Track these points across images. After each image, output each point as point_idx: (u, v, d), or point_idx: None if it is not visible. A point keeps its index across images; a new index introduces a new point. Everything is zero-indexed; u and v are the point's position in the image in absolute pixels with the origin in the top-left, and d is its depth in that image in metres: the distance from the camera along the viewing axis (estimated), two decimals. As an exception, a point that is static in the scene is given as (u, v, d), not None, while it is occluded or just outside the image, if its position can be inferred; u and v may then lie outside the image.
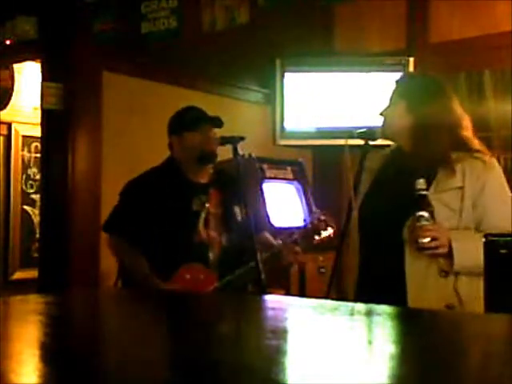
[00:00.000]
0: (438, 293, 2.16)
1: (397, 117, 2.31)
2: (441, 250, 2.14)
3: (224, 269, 2.79)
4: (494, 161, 2.26)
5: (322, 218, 2.75)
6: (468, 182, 2.18)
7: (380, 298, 2.13)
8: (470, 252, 2.10)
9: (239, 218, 2.93)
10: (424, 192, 2.14)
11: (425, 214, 2.12)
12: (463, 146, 2.24)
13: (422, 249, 2.14)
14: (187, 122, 2.93)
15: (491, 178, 2.20)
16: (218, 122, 2.93)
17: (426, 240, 2.12)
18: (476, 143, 2.27)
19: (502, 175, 2.27)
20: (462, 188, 2.18)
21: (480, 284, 2.04)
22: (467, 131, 2.27)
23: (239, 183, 2.84)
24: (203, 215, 2.87)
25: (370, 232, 2.32)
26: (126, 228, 2.86)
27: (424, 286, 2.16)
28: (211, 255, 2.83)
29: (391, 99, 2.35)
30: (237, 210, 2.94)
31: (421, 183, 2.14)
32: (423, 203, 2.13)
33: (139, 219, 2.83)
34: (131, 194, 2.91)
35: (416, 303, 2.13)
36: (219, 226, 2.89)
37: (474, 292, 2.11)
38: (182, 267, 2.76)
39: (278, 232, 3.18)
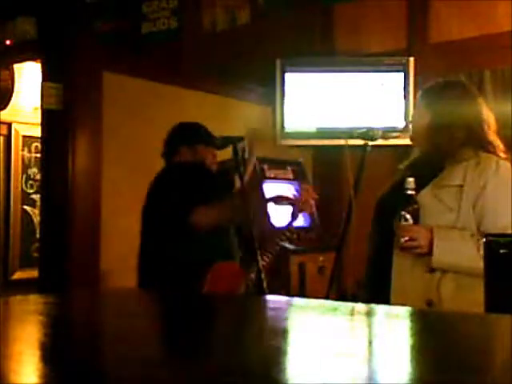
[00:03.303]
0: (421, 289, 2.18)
1: (419, 120, 2.34)
2: (418, 251, 2.16)
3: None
4: (504, 163, 2.24)
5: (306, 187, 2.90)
6: (469, 181, 2.18)
7: (374, 293, 2.19)
8: (451, 251, 2.14)
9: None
10: (410, 192, 2.16)
11: (406, 214, 2.14)
12: (478, 145, 2.25)
13: (401, 248, 2.17)
14: (203, 136, 3.06)
15: (494, 178, 2.18)
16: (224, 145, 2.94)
17: (404, 239, 2.14)
18: (495, 142, 2.26)
19: (510, 177, 2.23)
20: (461, 187, 2.18)
21: (466, 283, 2.10)
22: (489, 131, 2.27)
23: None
24: None
25: (378, 228, 2.35)
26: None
27: (408, 281, 2.19)
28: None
29: (415, 104, 2.40)
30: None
31: (410, 182, 2.16)
32: (409, 202, 2.16)
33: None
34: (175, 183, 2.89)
35: (398, 297, 2.15)
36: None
37: (457, 291, 2.15)
38: (214, 266, 2.83)
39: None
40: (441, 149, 2.25)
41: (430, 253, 2.16)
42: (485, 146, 2.26)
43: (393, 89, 4.46)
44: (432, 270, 2.18)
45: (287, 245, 3.89)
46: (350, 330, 1.25)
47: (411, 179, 2.15)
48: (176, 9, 3.55)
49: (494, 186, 2.18)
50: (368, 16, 4.78)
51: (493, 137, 2.28)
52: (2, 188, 5.33)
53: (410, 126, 2.41)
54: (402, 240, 2.15)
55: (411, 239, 2.15)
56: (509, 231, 2.11)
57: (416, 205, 2.15)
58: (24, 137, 5.42)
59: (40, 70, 4.12)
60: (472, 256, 2.08)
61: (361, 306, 1.63)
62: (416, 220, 2.16)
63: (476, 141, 2.25)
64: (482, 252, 1.87)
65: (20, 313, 1.48)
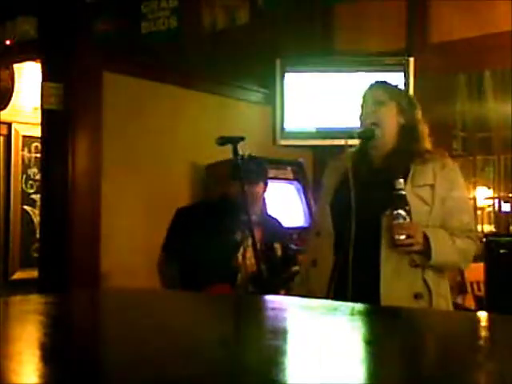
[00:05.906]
0: (408, 282, 2.28)
1: (390, 116, 2.43)
2: (415, 248, 2.26)
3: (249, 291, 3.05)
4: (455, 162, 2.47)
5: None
6: (438, 180, 2.33)
7: (355, 290, 2.23)
8: (446, 249, 2.28)
9: (279, 253, 3.19)
10: (402, 192, 2.25)
11: (402, 212, 2.23)
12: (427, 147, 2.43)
13: (397, 245, 2.25)
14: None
15: (457, 178, 2.40)
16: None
17: (402, 237, 2.22)
18: (429, 145, 2.45)
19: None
20: (433, 186, 2.33)
21: (443, 277, 2.33)
22: (428, 134, 2.47)
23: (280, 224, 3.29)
24: (244, 246, 3.13)
25: (347, 228, 2.35)
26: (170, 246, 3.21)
27: (396, 275, 2.27)
28: (240, 277, 3.08)
29: (379, 100, 2.43)
30: (277, 246, 3.20)
31: (400, 183, 2.26)
32: (401, 202, 2.25)
33: (184, 240, 3.14)
34: (180, 221, 3.22)
35: (387, 291, 2.23)
36: (258, 257, 3.00)
37: (438, 283, 2.31)
38: (210, 286, 2.95)
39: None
40: (414, 149, 2.38)
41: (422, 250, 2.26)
42: (429, 146, 2.43)
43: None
44: (416, 265, 2.27)
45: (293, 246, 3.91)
46: (350, 330, 1.25)
47: (401, 180, 2.25)
48: (176, 8, 3.54)
49: (459, 184, 2.39)
50: (368, 16, 4.78)
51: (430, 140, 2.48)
52: (2, 188, 5.33)
53: (375, 124, 2.42)
54: (401, 237, 2.22)
55: (409, 236, 2.22)
56: (472, 226, 2.37)
57: (408, 205, 2.24)
58: (24, 137, 5.42)
59: (40, 70, 4.12)
60: (456, 251, 2.30)
61: (361, 306, 1.63)
62: (410, 219, 2.24)
63: (427, 144, 2.44)
64: (457, 245, 2.24)
65: (20, 313, 1.48)
